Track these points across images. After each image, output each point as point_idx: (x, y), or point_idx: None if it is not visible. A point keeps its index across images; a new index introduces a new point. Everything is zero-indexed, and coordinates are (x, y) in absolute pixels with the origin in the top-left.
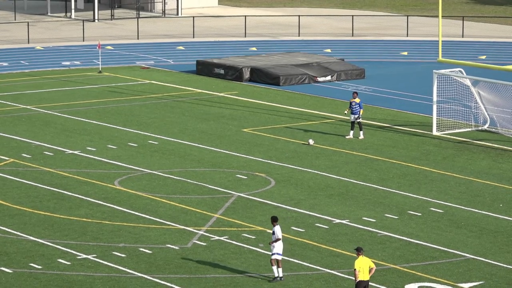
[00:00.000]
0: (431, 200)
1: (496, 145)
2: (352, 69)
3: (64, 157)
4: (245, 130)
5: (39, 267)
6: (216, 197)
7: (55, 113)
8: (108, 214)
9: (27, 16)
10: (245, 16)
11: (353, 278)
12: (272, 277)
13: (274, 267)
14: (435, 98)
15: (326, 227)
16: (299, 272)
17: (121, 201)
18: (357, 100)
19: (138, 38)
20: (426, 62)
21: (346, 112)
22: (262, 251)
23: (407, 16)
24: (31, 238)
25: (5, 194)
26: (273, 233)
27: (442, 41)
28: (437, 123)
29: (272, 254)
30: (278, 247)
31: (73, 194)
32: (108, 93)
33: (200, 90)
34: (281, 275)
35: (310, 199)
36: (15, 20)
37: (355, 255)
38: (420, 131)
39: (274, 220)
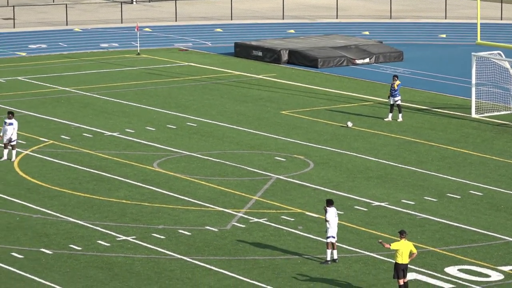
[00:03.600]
0: (470, 182)
1: None
2: (390, 51)
3: (103, 138)
4: (283, 112)
5: (79, 248)
6: (255, 179)
7: (94, 95)
8: (147, 196)
9: None
10: None
11: (392, 261)
12: (324, 259)
13: (329, 250)
14: (473, 81)
15: (365, 209)
16: (338, 255)
17: (160, 183)
18: (397, 83)
19: (176, 20)
20: (464, 44)
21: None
22: (301, 233)
23: None
24: (71, 219)
25: (45, 176)
26: (326, 212)
27: (480, 23)
28: (476, 106)
29: (327, 238)
30: (332, 230)
31: (112, 176)
32: (147, 75)
33: (239, 72)
34: (335, 257)
35: (349, 181)
36: (53, 2)
37: (398, 238)
38: (458, 113)
39: (329, 203)
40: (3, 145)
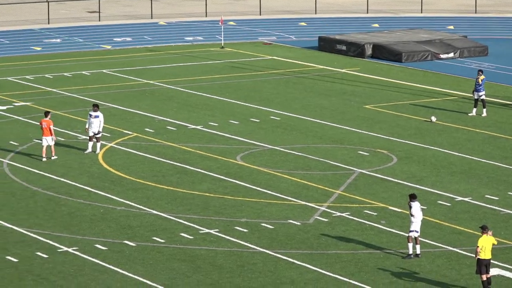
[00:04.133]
0: None
1: None
2: (475, 46)
3: (187, 132)
4: (367, 106)
5: (162, 240)
6: (338, 173)
7: (178, 88)
8: (230, 189)
9: None
10: None
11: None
12: (406, 253)
13: (410, 244)
14: None
15: (448, 204)
16: (421, 249)
17: (243, 176)
18: (482, 77)
19: (260, 14)
20: None
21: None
22: (384, 227)
23: None
24: (154, 212)
25: (129, 168)
26: (410, 208)
27: None
28: None
29: (410, 232)
30: (416, 224)
31: (195, 169)
32: (231, 68)
33: (322, 66)
34: (418, 251)
35: (432, 176)
36: None
37: (480, 233)
38: None
39: (412, 197)
40: (88, 138)
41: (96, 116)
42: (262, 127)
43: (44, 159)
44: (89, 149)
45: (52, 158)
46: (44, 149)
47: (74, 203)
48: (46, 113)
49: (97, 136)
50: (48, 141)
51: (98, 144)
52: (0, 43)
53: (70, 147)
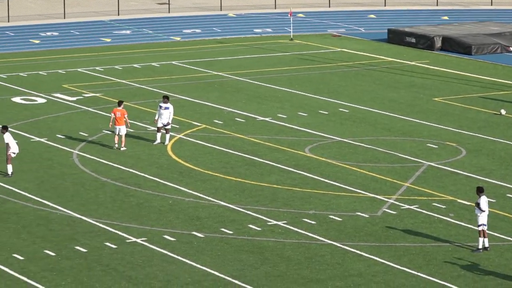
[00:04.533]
0: None
1: None
2: None
3: (256, 123)
4: (436, 99)
5: (230, 232)
6: (406, 166)
7: (247, 80)
8: (298, 181)
9: None
10: None
11: None
12: (476, 247)
13: (481, 238)
14: None
15: None
16: (489, 243)
17: (312, 168)
18: None
19: (329, 6)
20: None
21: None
22: (452, 220)
23: None
24: (223, 203)
25: (197, 160)
26: (477, 204)
27: None
28: None
29: (479, 226)
30: (483, 218)
31: (264, 161)
32: (299, 60)
33: (391, 59)
34: (486, 245)
35: (502, 169)
36: None
37: None
38: None
39: (480, 191)
40: (156, 129)
41: (166, 108)
42: (330, 119)
43: (116, 147)
44: (158, 140)
45: (122, 149)
46: (116, 137)
47: (143, 194)
48: (120, 103)
49: (167, 127)
50: (121, 130)
51: (167, 136)
52: (70, 35)
53: (139, 138)
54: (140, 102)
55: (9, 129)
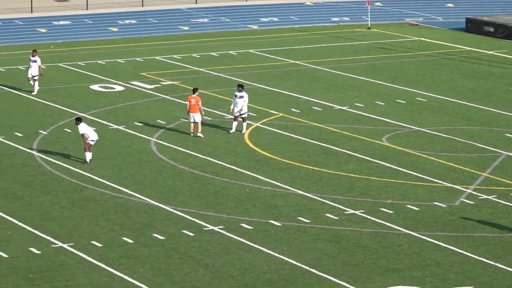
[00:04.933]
0: None
1: None
2: None
3: (333, 112)
4: None
5: (307, 221)
6: (484, 156)
7: (324, 69)
8: (375, 170)
9: None
10: None
11: None
12: None
13: None
14: None
15: None
16: None
17: (389, 157)
18: None
19: None
20: None
21: None
22: None
23: None
24: (300, 192)
25: (275, 148)
26: None
27: None
28: None
29: None
30: None
31: (341, 150)
32: (377, 49)
33: (469, 48)
34: None
35: None
36: None
37: None
38: None
39: None
40: (233, 117)
41: (241, 97)
42: (408, 109)
43: (192, 135)
44: (234, 129)
45: (198, 135)
46: (192, 125)
47: (220, 182)
48: (194, 90)
49: (243, 116)
50: (195, 118)
51: (244, 124)
52: (148, 23)
53: (216, 127)
54: (217, 90)
55: (87, 116)
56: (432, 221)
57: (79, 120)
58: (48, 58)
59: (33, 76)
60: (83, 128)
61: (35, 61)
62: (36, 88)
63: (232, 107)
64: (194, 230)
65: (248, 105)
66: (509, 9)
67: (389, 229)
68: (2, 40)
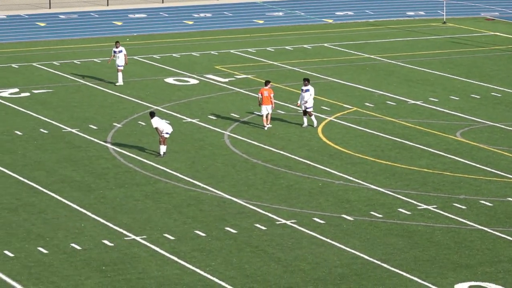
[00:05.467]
0: None
1: None
2: None
3: (407, 107)
4: None
5: (380, 215)
6: None
7: (398, 63)
8: (449, 165)
9: None
10: None
11: None
12: None
13: None
14: None
15: None
16: None
17: (463, 152)
18: None
19: None
20: None
21: None
22: None
23: None
24: (372, 186)
25: (348, 143)
26: None
27: None
28: None
29: None
30: None
31: (414, 145)
32: (452, 44)
33: None
34: None
35: None
36: None
37: None
38: None
39: None
40: (301, 112)
41: (307, 90)
42: (482, 103)
43: (266, 128)
44: (305, 124)
45: (266, 127)
46: (264, 117)
47: (293, 176)
48: (267, 82)
49: (308, 110)
50: (268, 109)
51: (312, 118)
52: (223, 16)
53: (289, 121)
54: (291, 84)
55: (161, 109)
56: (505, 216)
57: (152, 114)
58: (118, 52)
59: (118, 66)
60: (156, 122)
61: (121, 51)
62: (120, 79)
63: (299, 101)
64: (267, 224)
65: (322, 99)
66: None
67: (461, 225)
68: (78, 33)
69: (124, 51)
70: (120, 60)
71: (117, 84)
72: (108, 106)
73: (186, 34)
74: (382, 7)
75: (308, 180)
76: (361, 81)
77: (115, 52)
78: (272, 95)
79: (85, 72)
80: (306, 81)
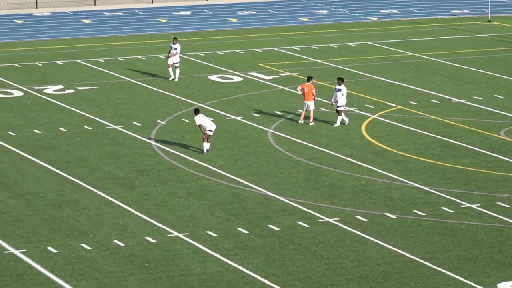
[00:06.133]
0: None
1: None
2: None
3: (451, 105)
4: None
5: (423, 214)
6: None
7: (443, 61)
8: (493, 164)
9: None
10: None
11: None
12: None
13: None
14: None
15: None
16: None
17: (507, 151)
18: None
19: None
20: None
21: None
22: None
23: None
24: (416, 185)
25: (392, 141)
26: None
27: None
28: None
29: None
30: None
31: (458, 143)
32: (497, 42)
33: None
34: None
35: None
36: None
37: None
38: None
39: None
40: (335, 111)
41: (339, 90)
42: None
43: (300, 122)
44: (337, 123)
45: (310, 124)
46: (303, 112)
47: (336, 174)
48: (309, 78)
49: (338, 108)
50: (309, 106)
51: (343, 116)
52: (267, 14)
53: (333, 119)
54: (335, 82)
55: (205, 106)
56: None
57: (196, 111)
58: (168, 48)
59: (174, 64)
60: (199, 119)
61: (175, 49)
62: (177, 74)
63: (332, 100)
64: (309, 222)
65: (366, 97)
66: None
67: (505, 224)
68: (123, 30)
69: (179, 50)
70: (175, 58)
71: (175, 80)
72: (152, 103)
73: (230, 31)
74: (427, 5)
75: (351, 178)
76: (405, 79)
77: (171, 48)
78: (314, 90)
79: (130, 69)
80: (340, 80)
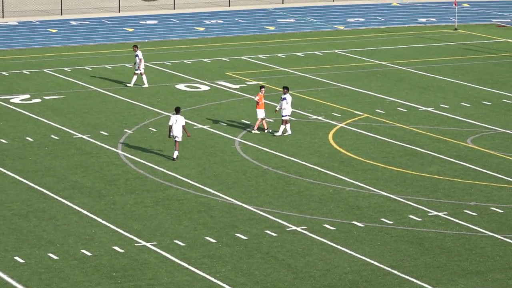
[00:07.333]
0: None
1: None
2: None
3: (418, 113)
4: None
5: (390, 222)
6: None
7: (410, 70)
8: (460, 172)
9: None
10: None
11: None
12: None
13: None
14: None
15: None
16: None
17: (474, 159)
18: None
19: None
20: None
21: None
22: None
23: None
24: (383, 193)
25: (359, 149)
26: None
27: None
28: None
29: None
30: None
31: (425, 151)
32: (463, 50)
33: None
34: None
35: None
36: None
37: None
38: None
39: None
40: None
41: (284, 98)
42: (494, 110)
43: (266, 131)
44: (279, 132)
45: (253, 131)
46: (263, 122)
47: (304, 183)
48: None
49: (283, 118)
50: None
51: (287, 126)
52: (234, 22)
53: (300, 128)
54: (302, 90)
55: (171, 115)
56: None
57: (177, 110)
58: (135, 57)
59: (136, 70)
60: (173, 120)
61: (137, 55)
62: (133, 81)
63: (277, 107)
64: (277, 230)
65: (333, 106)
66: None
67: (472, 231)
68: (90, 39)
69: (140, 56)
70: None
71: (130, 85)
72: (119, 112)
73: (197, 40)
74: (394, 14)
75: (318, 186)
76: (372, 87)
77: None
78: (262, 99)
79: (96, 78)
80: (285, 89)
